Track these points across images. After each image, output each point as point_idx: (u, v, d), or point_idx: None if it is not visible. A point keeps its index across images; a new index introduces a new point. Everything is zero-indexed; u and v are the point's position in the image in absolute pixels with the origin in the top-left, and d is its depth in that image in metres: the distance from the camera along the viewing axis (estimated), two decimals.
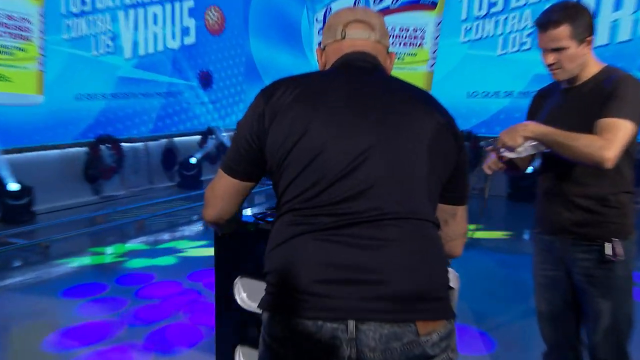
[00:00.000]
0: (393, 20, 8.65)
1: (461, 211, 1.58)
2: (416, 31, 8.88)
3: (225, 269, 2.29)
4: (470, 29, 8.41)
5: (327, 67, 1.60)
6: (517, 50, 8.07)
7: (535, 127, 2.24)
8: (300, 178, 1.38)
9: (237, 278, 1.87)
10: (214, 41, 9.87)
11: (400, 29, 8.87)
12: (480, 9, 8.32)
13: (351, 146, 1.36)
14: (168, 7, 8.93)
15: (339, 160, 1.34)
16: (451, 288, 1.50)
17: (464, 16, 8.42)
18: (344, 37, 1.55)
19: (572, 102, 2.31)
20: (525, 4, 7.99)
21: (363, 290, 1.30)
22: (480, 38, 8.37)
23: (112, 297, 4.64)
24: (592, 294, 2.32)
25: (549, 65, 2.26)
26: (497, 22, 8.20)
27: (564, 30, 2.14)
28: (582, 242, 2.30)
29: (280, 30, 10.10)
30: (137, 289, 4.79)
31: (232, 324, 2.28)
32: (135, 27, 8.50)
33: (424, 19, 8.81)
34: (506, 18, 8.14)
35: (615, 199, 2.28)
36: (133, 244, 6.21)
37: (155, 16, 8.78)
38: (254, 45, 10.43)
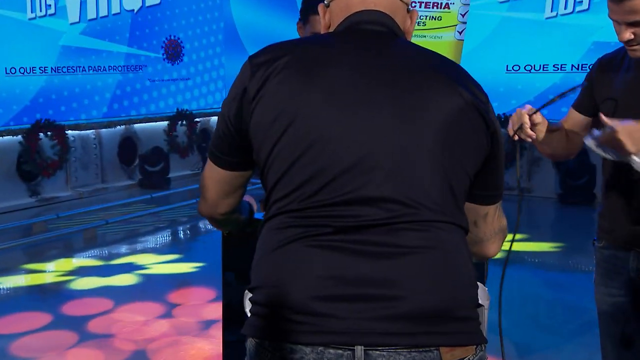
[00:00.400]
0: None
1: (493, 210, 1.56)
2: (439, 19, 8.70)
3: (233, 277, 2.29)
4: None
5: (332, 29, 1.57)
6: (571, 12, 8.12)
7: None
8: (293, 172, 1.35)
9: (247, 290, 1.82)
10: (183, 1, 9.97)
11: (424, 17, 8.71)
12: None
13: (356, 133, 1.35)
14: None
15: (341, 150, 1.33)
16: (480, 305, 1.48)
17: None
18: None
19: None
20: None
21: (374, 309, 1.28)
22: (509, 14, 8.48)
23: (56, 330, 4.50)
24: None
25: (626, 42, 2.20)
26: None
27: None
28: None
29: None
30: (88, 320, 4.64)
31: (242, 347, 2.17)
32: None
33: (442, 12, 8.65)
34: None
35: None
36: (82, 259, 6.17)
37: None
38: (235, 6, 10.61)
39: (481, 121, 1.41)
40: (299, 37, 3.16)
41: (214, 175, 1.56)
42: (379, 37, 1.49)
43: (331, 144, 1.34)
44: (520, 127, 2.29)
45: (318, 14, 2.10)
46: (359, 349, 1.25)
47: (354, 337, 1.26)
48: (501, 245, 1.67)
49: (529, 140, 2.30)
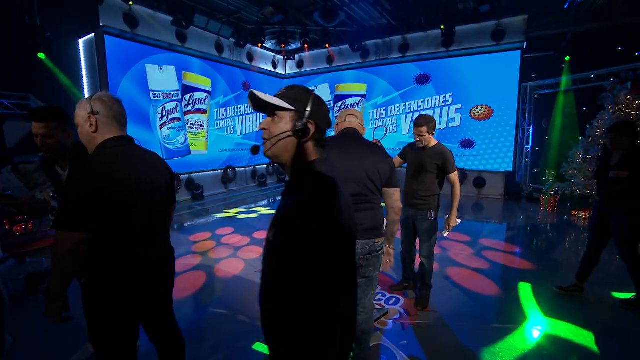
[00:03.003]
0: None
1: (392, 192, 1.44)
2: None
3: None
4: (374, 123, 8.57)
5: (337, 133, 1.59)
6: (392, 132, 8.40)
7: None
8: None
9: None
10: None
11: None
12: (377, 115, 8.56)
13: (349, 166, 1.45)
14: (256, 115, 8.96)
15: (344, 171, 1.44)
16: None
17: (371, 118, 8.61)
18: (344, 121, 1.60)
19: (423, 154, 2.30)
20: (396, 114, 8.30)
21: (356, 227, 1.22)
22: (377, 127, 8.55)
23: (235, 235, 4.45)
24: (421, 232, 2.37)
25: (418, 141, 2.23)
26: (384, 121, 8.49)
27: (425, 129, 2.21)
28: (420, 211, 2.32)
29: None
30: (245, 230, 4.66)
31: None
32: (242, 123, 8.75)
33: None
34: (384, 121, 8.43)
35: (433, 195, 2.30)
36: (240, 209, 6.33)
37: (250, 119, 8.91)
38: None
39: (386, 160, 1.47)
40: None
41: None
42: (353, 135, 1.55)
43: (344, 171, 1.44)
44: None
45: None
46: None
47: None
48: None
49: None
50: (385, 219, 1.54)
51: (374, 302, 2.20)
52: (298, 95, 0.91)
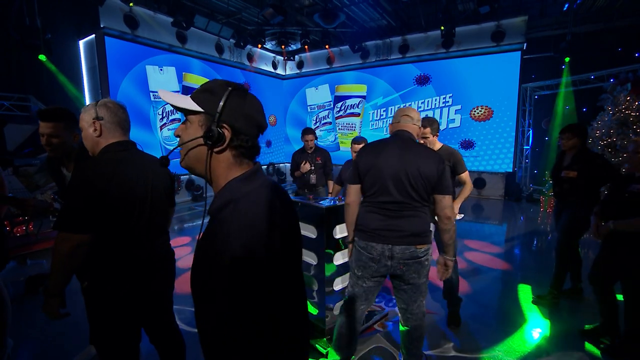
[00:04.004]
0: (342, 120, 9.18)
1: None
2: (352, 125, 9.00)
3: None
4: (374, 124, 8.80)
5: (390, 134, 1.54)
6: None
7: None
8: (375, 188, 1.45)
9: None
10: (272, 130, 9.73)
11: (344, 122, 9.15)
12: (377, 116, 8.73)
13: (395, 172, 1.40)
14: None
15: (388, 180, 1.40)
16: (430, 231, 1.51)
17: (371, 119, 8.85)
18: (398, 122, 1.54)
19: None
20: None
21: (396, 233, 1.38)
22: (377, 127, 8.75)
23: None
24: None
25: (422, 143, 2.05)
26: (384, 122, 8.68)
27: (428, 130, 2.07)
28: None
29: (297, 124, 9.83)
30: None
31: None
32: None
33: (354, 119, 8.96)
34: (384, 122, 8.58)
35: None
36: None
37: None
38: (288, 130, 10.21)
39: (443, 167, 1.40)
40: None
41: (353, 189, 1.50)
42: (403, 138, 1.49)
43: (387, 177, 1.41)
44: None
45: (308, 134, 2.59)
46: (390, 246, 1.38)
47: (390, 240, 1.39)
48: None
49: None
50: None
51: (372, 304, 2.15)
52: (211, 92, 0.73)
